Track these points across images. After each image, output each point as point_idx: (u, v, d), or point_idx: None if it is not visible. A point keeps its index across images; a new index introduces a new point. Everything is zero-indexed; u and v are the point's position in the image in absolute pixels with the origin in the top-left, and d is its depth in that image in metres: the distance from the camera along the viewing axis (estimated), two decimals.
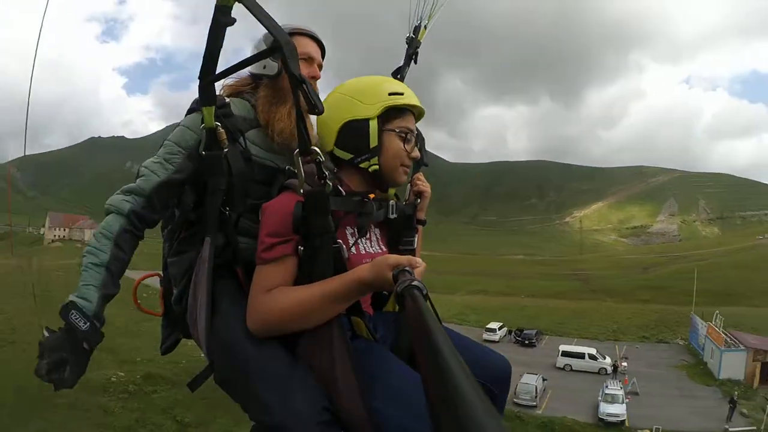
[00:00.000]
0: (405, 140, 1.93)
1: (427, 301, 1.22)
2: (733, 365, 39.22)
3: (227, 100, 2.08)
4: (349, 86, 1.98)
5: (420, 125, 2.07)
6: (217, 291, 1.91)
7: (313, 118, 1.96)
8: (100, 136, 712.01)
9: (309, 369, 1.69)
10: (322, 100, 1.86)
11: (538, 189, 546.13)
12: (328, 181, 1.69)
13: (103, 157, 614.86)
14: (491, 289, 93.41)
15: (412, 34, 2.65)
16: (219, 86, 2.11)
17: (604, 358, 42.53)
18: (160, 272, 2.29)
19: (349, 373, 1.61)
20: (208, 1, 1.66)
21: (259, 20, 1.69)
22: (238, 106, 2.14)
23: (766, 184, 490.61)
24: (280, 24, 1.90)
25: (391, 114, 1.90)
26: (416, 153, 1.97)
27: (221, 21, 1.71)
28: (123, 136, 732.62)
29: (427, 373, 0.82)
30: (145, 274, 2.42)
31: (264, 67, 2.13)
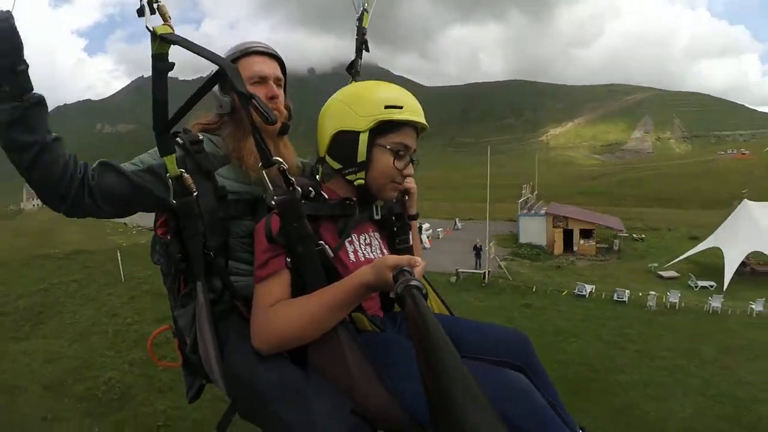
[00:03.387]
0: (397, 156, 1.83)
1: (428, 298, 1.27)
2: (533, 231, 41.64)
3: (201, 136, 2.03)
4: (347, 92, 1.91)
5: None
6: (223, 330, 1.90)
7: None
8: (66, 104, 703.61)
9: (322, 375, 1.66)
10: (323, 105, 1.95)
11: (513, 109, 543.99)
12: (297, 187, 1.68)
13: (72, 123, 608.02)
14: (433, 198, 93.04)
15: (357, 23, 2.56)
16: (189, 124, 2.13)
17: (427, 229, 43.16)
18: (172, 324, 2.26)
19: (364, 366, 1.59)
20: None
21: (195, 53, 1.70)
22: (208, 144, 2.06)
23: (742, 105, 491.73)
24: (236, 43, 2.14)
25: (386, 128, 1.80)
26: (410, 170, 1.90)
27: (160, 68, 1.70)
28: (89, 99, 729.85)
29: (425, 373, 0.83)
30: (157, 330, 2.41)
31: (220, 106, 2.08)
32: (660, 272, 32.00)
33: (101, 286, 22.69)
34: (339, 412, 1.55)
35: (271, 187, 1.72)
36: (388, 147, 1.81)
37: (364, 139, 1.79)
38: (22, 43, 1.56)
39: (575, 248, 40.86)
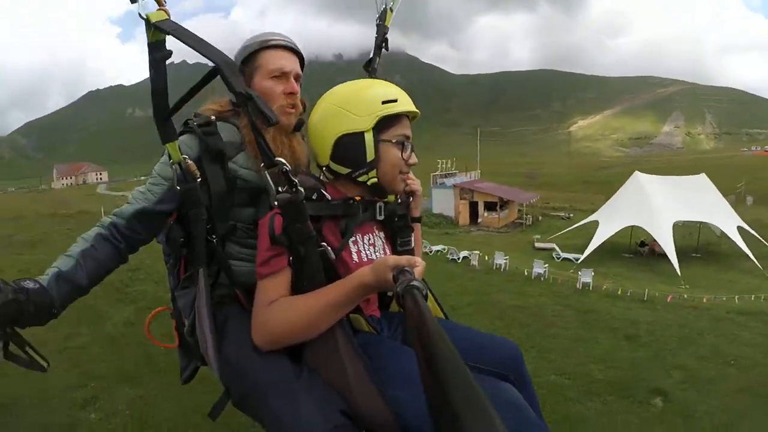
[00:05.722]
0: (402, 148, 1.88)
1: (427, 298, 1.29)
2: (443, 203, 44.81)
3: (213, 118, 2.02)
4: (338, 95, 1.89)
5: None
6: (221, 318, 1.93)
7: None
8: (98, 89, 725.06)
9: (317, 374, 1.67)
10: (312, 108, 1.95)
11: (542, 99, 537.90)
12: (300, 188, 1.68)
13: (103, 108, 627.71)
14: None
15: (378, 20, 2.53)
16: (200, 108, 2.13)
17: None
18: (170, 305, 2.31)
19: (360, 369, 1.62)
20: None
21: (191, 47, 1.65)
22: (223, 130, 2.04)
23: None
24: (257, 32, 2.13)
25: (386, 122, 1.82)
26: (414, 159, 1.95)
27: (158, 57, 1.69)
28: (121, 84, 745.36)
29: (425, 373, 0.84)
30: (156, 310, 2.42)
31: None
32: (537, 244, 31.84)
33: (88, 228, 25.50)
34: (329, 410, 1.54)
35: (273, 187, 1.70)
36: (394, 141, 1.84)
37: (369, 137, 1.80)
38: (52, 299, 1.65)
39: (479, 220, 42.00)
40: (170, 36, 1.62)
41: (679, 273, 23.90)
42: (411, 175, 2.07)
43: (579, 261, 26.02)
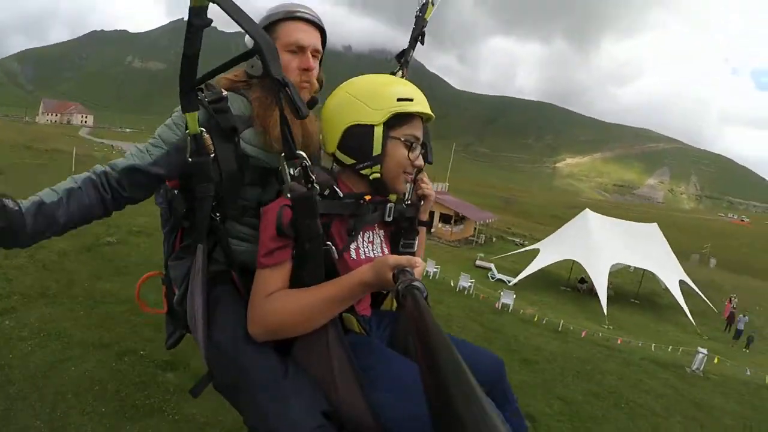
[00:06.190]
0: (410, 149, 1.84)
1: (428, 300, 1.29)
2: None
3: (225, 93, 1.93)
4: (356, 86, 1.86)
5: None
6: (214, 297, 1.89)
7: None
8: (103, 30, 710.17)
9: (305, 372, 1.67)
10: (329, 94, 1.91)
11: (536, 130, 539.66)
12: (316, 185, 1.67)
13: (104, 51, 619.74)
14: None
15: (418, 12, 2.46)
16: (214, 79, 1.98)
17: None
18: (163, 270, 2.25)
19: (348, 369, 1.62)
20: None
21: (235, 20, 1.60)
22: (234, 103, 1.97)
23: (764, 178, 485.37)
24: (276, 3, 2.00)
25: (398, 120, 1.79)
26: (420, 162, 1.90)
27: (197, 24, 1.57)
28: (125, 30, 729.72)
29: (426, 375, 0.83)
30: (147, 274, 2.45)
31: (252, 67, 1.98)
32: (477, 262, 32.84)
33: (60, 170, 24.40)
34: (314, 410, 1.54)
35: (290, 180, 1.69)
36: (402, 139, 1.82)
37: (379, 132, 1.79)
38: (26, 225, 1.54)
39: (432, 230, 41.47)
40: (213, 4, 1.54)
41: (605, 312, 24.61)
42: (426, 178, 2.12)
43: (511, 284, 26.88)
